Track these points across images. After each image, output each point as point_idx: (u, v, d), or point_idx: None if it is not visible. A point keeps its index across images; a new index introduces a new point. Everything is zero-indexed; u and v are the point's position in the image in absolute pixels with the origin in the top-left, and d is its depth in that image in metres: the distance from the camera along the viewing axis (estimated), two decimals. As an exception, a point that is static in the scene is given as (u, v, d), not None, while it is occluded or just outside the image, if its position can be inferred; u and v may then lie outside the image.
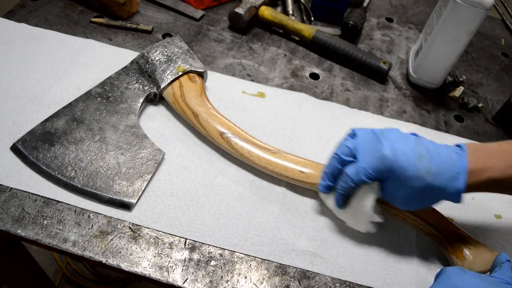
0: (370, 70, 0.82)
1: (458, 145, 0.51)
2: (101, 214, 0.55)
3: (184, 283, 0.50)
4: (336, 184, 0.54)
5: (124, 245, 0.52)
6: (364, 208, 0.52)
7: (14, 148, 0.58)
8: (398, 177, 0.48)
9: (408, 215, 0.56)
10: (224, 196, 0.59)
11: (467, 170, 0.48)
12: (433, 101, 0.81)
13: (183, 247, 0.53)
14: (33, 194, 0.55)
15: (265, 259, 0.54)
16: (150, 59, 0.68)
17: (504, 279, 0.44)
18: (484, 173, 0.48)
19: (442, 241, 0.55)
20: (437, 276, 0.46)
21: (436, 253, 0.57)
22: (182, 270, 0.51)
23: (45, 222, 0.53)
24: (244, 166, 0.62)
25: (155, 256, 0.52)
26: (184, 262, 0.52)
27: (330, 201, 0.56)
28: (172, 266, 0.51)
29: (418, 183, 0.48)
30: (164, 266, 0.51)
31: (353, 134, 0.54)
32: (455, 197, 0.49)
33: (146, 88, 0.67)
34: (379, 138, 0.50)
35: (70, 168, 0.57)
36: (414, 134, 0.52)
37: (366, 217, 0.54)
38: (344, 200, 0.53)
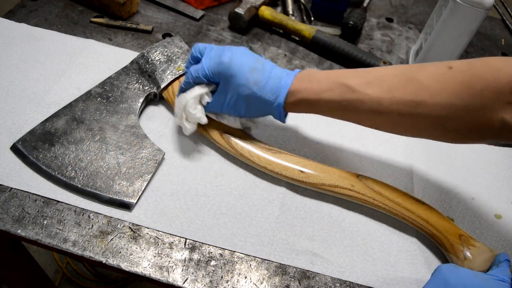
0: (370, 70, 0.82)
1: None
2: (101, 214, 0.55)
3: (184, 283, 0.50)
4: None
5: (124, 245, 0.52)
6: (187, 95, 0.58)
7: (14, 148, 0.58)
8: (229, 81, 0.56)
9: (408, 215, 0.56)
10: (224, 196, 0.59)
11: (288, 89, 0.54)
12: (433, 101, 0.81)
13: (183, 247, 0.53)
14: (33, 194, 0.55)
15: (265, 259, 0.54)
16: (150, 59, 0.68)
17: (499, 277, 0.45)
18: (300, 93, 0.54)
19: (442, 241, 0.55)
20: (432, 274, 0.48)
21: (436, 253, 0.57)
22: (182, 270, 0.51)
23: (45, 222, 0.53)
24: (244, 166, 0.62)
25: (155, 256, 0.52)
26: (184, 262, 0.52)
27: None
28: (172, 266, 0.51)
29: (245, 90, 0.55)
30: (164, 266, 0.51)
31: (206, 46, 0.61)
32: (277, 112, 0.56)
33: (146, 88, 0.67)
34: (224, 49, 0.57)
35: (70, 168, 0.57)
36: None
37: (184, 105, 0.58)
38: (182, 90, 0.60)
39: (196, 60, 0.60)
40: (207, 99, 0.59)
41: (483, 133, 0.48)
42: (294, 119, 0.70)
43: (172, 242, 0.54)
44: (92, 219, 0.54)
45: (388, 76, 0.51)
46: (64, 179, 0.56)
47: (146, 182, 0.57)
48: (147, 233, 0.54)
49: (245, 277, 0.52)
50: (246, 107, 0.58)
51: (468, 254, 0.53)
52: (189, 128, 0.60)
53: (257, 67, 0.55)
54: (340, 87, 0.52)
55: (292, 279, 0.53)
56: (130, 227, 0.54)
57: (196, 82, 0.58)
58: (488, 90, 0.45)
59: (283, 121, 0.58)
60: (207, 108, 0.60)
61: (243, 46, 0.60)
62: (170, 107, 0.68)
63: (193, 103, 0.58)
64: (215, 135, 0.61)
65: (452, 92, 0.47)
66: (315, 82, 0.53)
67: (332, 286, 0.53)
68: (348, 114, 0.54)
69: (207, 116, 0.60)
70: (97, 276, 1.36)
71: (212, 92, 0.59)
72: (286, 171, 0.59)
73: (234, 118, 0.61)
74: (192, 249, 0.53)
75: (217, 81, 0.57)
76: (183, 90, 0.60)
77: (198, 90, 0.58)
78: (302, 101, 0.54)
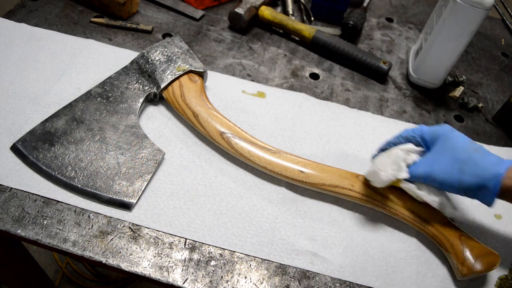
0: (370, 70, 0.82)
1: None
2: (101, 214, 0.55)
3: (184, 283, 0.50)
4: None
5: (124, 245, 0.52)
6: (396, 151, 0.55)
7: (14, 148, 0.58)
8: (446, 143, 0.53)
9: (408, 215, 0.56)
10: (224, 196, 0.59)
11: (508, 168, 0.50)
12: (433, 101, 0.81)
13: (183, 247, 0.53)
14: (33, 194, 0.55)
15: (265, 259, 0.54)
16: (150, 59, 0.68)
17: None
18: None
19: (442, 241, 0.55)
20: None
21: (436, 253, 0.57)
22: (182, 270, 0.51)
23: (45, 222, 0.53)
24: (244, 166, 0.62)
25: (155, 256, 0.52)
26: (184, 262, 0.52)
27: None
28: (172, 266, 0.51)
29: (464, 153, 0.52)
30: (164, 266, 0.51)
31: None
32: (492, 185, 0.50)
33: (146, 88, 0.67)
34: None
35: (70, 168, 0.57)
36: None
37: (394, 158, 0.55)
38: (382, 150, 0.59)
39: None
40: (414, 157, 0.55)
41: None
42: (293, 119, 0.70)
43: (172, 242, 0.54)
44: (92, 219, 0.54)
45: None
46: (64, 179, 0.56)
47: (146, 182, 0.57)
48: (147, 233, 0.54)
49: (245, 277, 0.52)
50: (459, 170, 0.51)
51: (468, 254, 0.53)
52: (388, 177, 0.55)
53: (475, 143, 0.54)
54: None
55: (292, 279, 0.53)
56: (130, 227, 0.54)
57: (408, 140, 0.57)
58: None
59: (491, 203, 0.52)
60: (413, 168, 0.55)
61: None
62: (170, 107, 0.68)
63: (402, 155, 0.55)
64: (215, 135, 0.61)
65: None
66: None
67: (332, 286, 0.53)
68: None
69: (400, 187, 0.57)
70: (97, 276, 1.36)
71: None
72: (286, 171, 0.59)
73: (435, 194, 0.55)
74: (192, 249, 0.53)
75: (430, 145, 0.55)
76: (387, 146, 0.59)
77: (409, 146, 0.56)
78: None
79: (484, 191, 0.50)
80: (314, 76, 0.81)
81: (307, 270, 0.54)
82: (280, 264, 0.54)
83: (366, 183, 0.58)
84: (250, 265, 0.53)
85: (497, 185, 0.49)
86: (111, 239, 0.52)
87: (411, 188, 0.56)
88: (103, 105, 0.64)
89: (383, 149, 0.60)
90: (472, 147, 0.52)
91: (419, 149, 0.56)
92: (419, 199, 0.56)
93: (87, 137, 0.60)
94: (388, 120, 0.74)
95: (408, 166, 0.55)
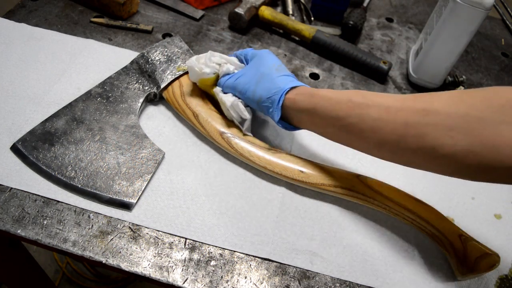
0: (370, 70, 0.82)
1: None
2: (101, 214, 0.55)
3: (184, 283, 0.50)
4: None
5: (124, 245, 0.52)
6: (211, 55, 0.63)
7: (14, 148, 0.58)
8: (259, 60, 0.61)
9: (408, 215, 0.56)
10: (224, 196, 0.59)
11: (294, 86, 0.57)
12: (433, 101, 0.81)
13: (183, 247, 0.53)
14: (33, 194, 0.55)
15: (265, 259, 0.54)
16: (150, 59, 0.68)
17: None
18: (303, 89, 0.56)
19: (442, 241, 0.55)
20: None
21: (436, 253, 0.57)
22: (182, 270, 0.51)
23: (45, 222, 0.53)
24: (244, 166, 0.62)
25: (155, 256, 0.52)
26: (184, 262, 0.52)
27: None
28: (172, 266, 0.51)
29: (266, 69, 0.60)
30: (164, 266, 0.51)
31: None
32: (275, 100, 0.57)
33: (146, 88, 0.67)
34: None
35: (70, 168, 0.57)
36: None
37: (206, 63, 0.63)
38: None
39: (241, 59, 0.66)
40: (231, 68, 0.63)
41: (499, 155, 0.40)
42: (294, 119, 0.70)
43: (172, 242, 0.54)
44: (92, 219, 0.54)
45: (401, 95, 0.49)
46: (64, 179, 0.56)
47: (146, 182, 0.57)
48: (147, 233, 0.54)
49: (245, 277, 0.52)
50: (256, 82, 0.59)
51: (468, 254, 0.53)
52: (194, 71, 0.63)
53: (281, 66, 0.61)
54: (347, 97, 0.51)
55: (292, 279, 0.53)
56: (130, 227, 0.54)
57: (236, 56, 0.66)
58: (510, 106, 0.40)
59: (276, 119, 0.57)
60: (224, 78, 0.63)
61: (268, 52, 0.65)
62: (170, 107, 0.68)
63: (219, 59, 0.64)
64: (215, 135, 0.61)
65: (469, 103, 0.42)
66: (300, 100, 0.55)
67: (332, 286, 0.53)
68: (350, 123, 0.50)
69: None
70: (97, 276, 1.36)
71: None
72: (286, 171, 0.59)
73: (234, 102, 0.61)
74: (192, 249, 0.53)
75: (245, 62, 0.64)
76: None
77: (231, 58, 0.64)
78: (302, 95, 0.55)
79: (272, 106, 0.57)
80: (314, 76, 0.81)
81: (307, 270, 0.54)
82: (280, 264, 0.54)
83: (366, 183, 0.58)
84: (250, 265, 0.53)
85: (280, 99, 0.56)
86: (111, 239, 0.52)
87: (217, 92, 0.63)
88: (103, 105, 0.64)
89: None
90: (276, 66, 0.59)
91: (239, 64, 0.64)
92: (224, 109, 0.63)
93: (87, 137, 0.60)
94: (388, 120, 0.74)
95: (223, 75, 0.63)
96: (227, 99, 0.61)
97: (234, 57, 0.65)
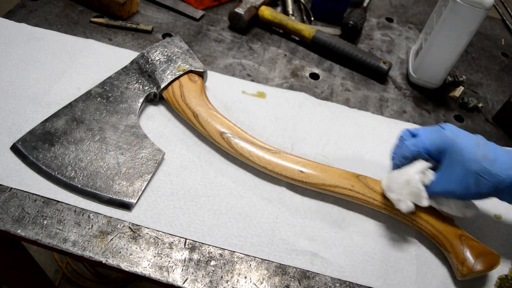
0: (370, 70, 0.82)
1: None
2: (101, 214, 0.55)
3: (184, 283, 0.50)
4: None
5: (124, 245, 0.52)
6: (410, 172, 0.53)
7: (14, 148, 0.58)
8: (454, 156, 0.51)
9: (409, 215, 0.56)
10: (224, 196, 0.59)
11: None
12: (433, 101, 0.81)
13: (183, 247, 0.53)
14: (33, 194, 0.55)
15: (265, 259, 0.54)
16: (150, 59, 0.68)
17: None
18: None
19: (442, 241, 0.55)
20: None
21: (436, 253, 0.57)
22: (182, 270, 0.51)
23: (45, 222, 0.53)
24: (244, 166, 0.62)
25: (155, 256, 0.52)
26: (184, 262, 0.52)
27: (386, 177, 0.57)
28: (172, 266, 0.51)
29: (475, 165, 0.49)
30: (164, 266, 0.51)
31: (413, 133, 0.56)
32: (507, 192, 0.50)
33: (146, 88, 0.67)
34: (441, 126, 0.53)
35: (70, 168, 0.57)
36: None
37: (409, 182, 0.53)
38: (398, 166, 0.56)
39: (411, 134, 0.55)
40: (430, 176, 0.53)
41: None
42: (293, 119, 0.70)
43: (172, 242, 0.54)
44: (92, 219, 0.54)
45: None
46: (64, 179, 0.56)
47: (146, 182, 0.57)
48: (147, 233, 0.54)
49: (245, 277, 0.52)
50: (475, 183, 0.51)
51: (468, 254, 0.53)
52: (410, 206, 0.54)
53: (480, 142, 0.51)
54: None
55: (292, 279, 0.53)
56: (130, 227, 0.54)
57: (415, 157, 0.54)
58: None
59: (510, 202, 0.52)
60: (431, 187, 0.53)
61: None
62: (170, 107, 0.68)
63: (419, 179, 0.53)
64: (215, 135, 0.61)
65: None
66: None
67: (332, 286, 0.53)
68: None
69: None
70: (97, 276, 1.36)
71: (432, 169, 0.54)
72: (286, 171, 0.59)
73: (456, 205, 0.54)
74: (192, 249, 0.53)
75: (437, 158, 0.53)
76: (396, 165, 0.56)
77: (421, 165, 0.53)
78: None
79: (503, 194, 0.51)
80: (314, 76, 0.81)
81: (307, 270, 0.54)
82: (280, 264, 0.54)
83: (366, 183, 0.58)
84: (250, 265, 0.53)
85: None
86: (111, 239, 0.52)
87: (432, 205, 0.55)
88: (103, 105, 0.64)
89: (396, 165, 0.56)
90: (480, 154, 0.50)
91: (431, 164, 0.54)
92: (442, 212, 0.56)
93: (87, 137, 0.60)
94: (388, 120, 0.74)
95: (425, 185, 0.53)
96: (453, 211, 0.54)
97: (420, 162, 0.54)
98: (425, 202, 0.53)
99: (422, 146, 0.53)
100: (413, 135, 0.55)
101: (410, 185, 0.53)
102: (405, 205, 0.54)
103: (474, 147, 0.50)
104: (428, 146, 0.52)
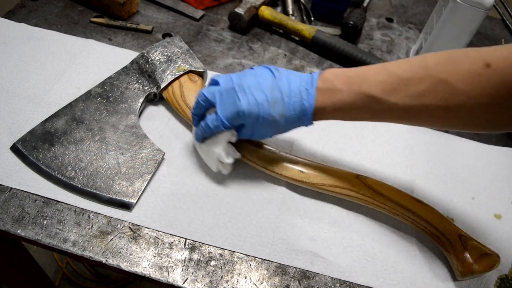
0: (370, 70, 0.82)
1: (314, 74, 0.52)
2: (101, 214, 0.55)
3: (184, 283, 0.50)
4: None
5: (124, 245, 0.52)
6: (215, 148, 0.56)
7: (14, 148, 0.58)
8: (253, 123, 0.53)
9: (408, 215, 0.56)
10: (224, 196, 0.59)
11: (313, 109, 0.51)
12: (433, 101, 0.81)
13: (183, 247, 0.53)
14: (33, 194, 0.55)
15: (265, 259, 0.54)
16: (150, 59, 0.68)
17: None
18: (325, 111, 0.51)
19: (442, 241, 0.55)
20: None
21: (436, 253, 0.57)
22: (182, 270, 0.51)
23: (45, 222, 0.53)
24: (244, 166, 0.62)
25: (155, 256, 0.52)
26: (184, 262, 0.52)
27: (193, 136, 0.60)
28: (172, 266, 0.51)
29: (272, 124, 0.53)
30: (164, 266, 0.51)
31: (215, 82, 0.56)
32: (305, 126, 0.54)
33: (146, 88, 0.67)
34: (236, 90, 0.52)
35: (70, 168, 0.57)
36: (268, 68, 0.54)
37: (217, 157, 0.57)
38: (202, 139, 0.57)
39: (205, 108, 0.56)
40: (234, 139, 0.56)
41: None
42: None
43: (172, 242, 0.54)
44: (92, 219, 0.54)
45: (415, 79, 0.45)
46: (64, 179, 0.56)
47: (146, 182, 0.57)
48: (147, 233, 0.54)
49: (245, 277, 0.52)
50: (274, 132, 0.55)
51: (468, 254, 0.53)
52: (225, 170, 0.58)
53: (276, 97, 0.51)
54: (363, 99, 0.48)
55: (292, 279, 0.53)
56: (130, 227, 0.54)
57: (217, 132, 0.55)
58: None
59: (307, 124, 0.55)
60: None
61: (251, 68, 0.55)
62: (170, 107, 0.68)
63: (225, 153, 0.56)
64: (215, 135, 0.61)
65: (491, 95, 0.42)
66: (338, 95, 0.49)
67: (332, 286, 0.53)
68: (377, 120, 0.51)
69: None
70: (97, 276, 1.36)
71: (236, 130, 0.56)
72: (286, 171, 0.59)
73: (213, 156, 0.57)
74: (192, 249, 0.53)
75: (238, 126, 0.55)
76: (202, 138, 0.57)
77: (224, 138, 0.55)
78: (327, 115, 0.52)
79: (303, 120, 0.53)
80: (314, 76, 0.81)
81: (307, 270, 0.54)
82: (280, 264, 0.54)
83: (366, 183, 0.58)
84: (250, 265, 0.53)
85: (308, 125, 0.54)
86: (111, 239, 0.52)
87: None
88: (103, 105, 0.64)
89: (201, 138, 0.57)
90: (275, 114, 0.52)
91: (232, 131, 0.55)
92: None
93: (87, 137, 0.60)
94: (388, 120, 0.74)
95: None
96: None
97: (223, 134, 0.56)
98: (238, 157, 0.59)
99: (221, 123, 0.53)
100: (206, 107, 0.56)
101: (221, 160, 0.57)
102: (226, 170, 0.59)
103: (270, 109, 0.51)
104: (227, 123, 0.53)
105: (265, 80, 0.53)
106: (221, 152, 0.56)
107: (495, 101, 0.42)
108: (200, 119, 0.57)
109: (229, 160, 0.57)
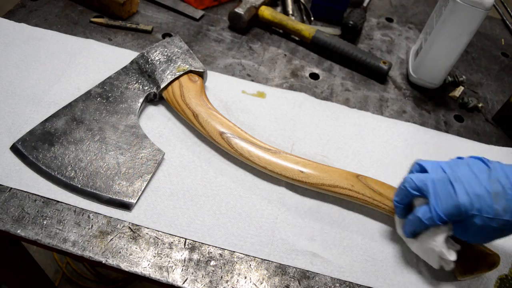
0: (370, 70, 0.82)
1: None
2: (101, 214, 0.55)
3: (184, 283, 0.50)
4: (407, 214, 0.53)
5: (124, 245, 0.52)
6: (434, 246, 0.51)
7: (14, 148, 0.58)
8: (471, 220, 0.47)
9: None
10: (224, 196, 0.59)
11: None
12: (433, 101, 0.81)
13: (183, 247, 0.53)
14: (33, 194, 0.55)
15: (265, 259, 0.54)
16: (150, 59, 0.68)
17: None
18: None
19: (442, 241, 0.55)
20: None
21: (436, 253, 0.57)
22: (182, 270, 0.51)
23: (45, 222, 0.53)
24: (244, 166, 0.62)
25: (155, 256, 0.52)
26: (184, 262, 0.52)
27: (400, 229, 0.55)
28: (172, 266, 0.51)
29: (496, 222, 0.47)
30: (164, 266, 0.51)
31: (422, 168, 0.52)
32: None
33: (146, 88, 0.67)
34: (450, 180, 0.48)
35: (70, 168, 0.57)
36: (480, 159, 0.50)
37: (438, 254, 0.51)
38: (413, 234, 0.53)
39: (412, 196, 0.52)
40: (451, 233, 0.51)
41: None
42: (293, 119, 0.70)
43: (172, 242, 0.54)
44: (92, 219, 0.54)
45: None
46: (64, 179, 0.56)
47: (146, 182, 0.57)
48: (147, 233, 0.54)
49: (245, 277, 0.52)
50: (498, 236, 0.49)
51: (468, 254, 0.53)
52: (452, 264, 0.52)
53: (497, 189, 0.47)
54: None
55: (292, 279, 0.53)
56: (130, 227, 0.54)
57: (431, 226, 0.50)
58: None
59: None
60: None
61: (458, 159, 0.51)
62: (170, 107, 0.68)
63: (446, 250, 0.51)
64: (215, 135, 0.61)
65: None
66: None
67: (332, 286, 0.53)
68: None
69: None
70: (97, 276, 1.36)
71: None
72: (286, 171, 0.59)
73: (431, 253, 0.52)
74: (192, 249, 0.53)
75: (455, 221, 0.49)
76: (412, 233, 0.52)
77: (441, 233, 0.50)
78: None
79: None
80: (314, 76, 0.81)
81: (307, 270, 0.54)
82: (280, 264, 0.54)
83: (366, 183, 0.58)
84: (250, 265, 0.53)
85: None
86: (111, 239, 0.52)
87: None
88: (103, 105, 0.64)
89: (412, 232, 0.53)
90: (499, 209, 0.46)
91: (448, 227, 0.50)
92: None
93: (87, 137, 0.60)
94: (388, 120, 0.74)
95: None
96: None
97: (439, 237, 0.51)
98: (453, 257, 0.51)
99: (437, 218, 0.48)
100: (421, 191, 0.50)
101: (442, 257, 0.51)
102: (438, 265, 0.53)
103: (493, 203, 0.46)
104: (444, 218, 0.48)
105: (481, 172, 0.48)
106: (441, 249, 0.50)
107: None
108: (405, 208, 0.53)
109: (452, 257, 0.50)
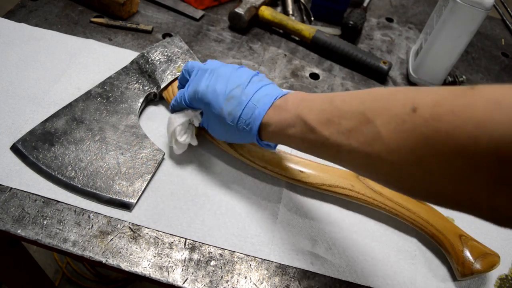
0: (370, 70, 0.82)
1: (284, 91, 0.50)
2: (101, 214, 0.55)
3: (184, 283, 0.50)
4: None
5: (124, 245, 0.52)
6: (173, 122, 0.57)
7: (14, 148, 0.58)
8: (207, 109, 0.53)
9: (408, 215, 0.56)
10: (224, 196, 0.59)
11: (261, 121, 0.48)
12: (433, 101, 0.81)
13: (183, 247, 0.53)
14: (33, 194, 0.55)
15: (265, 259, 0.54)
16: (150, 59, 0.68)
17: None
18: (270, 126, 0.48)
19: (442, 241, 0.55)
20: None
21: (436, 253, 0.57)
22: (182, 270, 0.51)
23: (45, 222, 0.53)
24: (244, 166, 0.62)
25: (155, 256, 0.52)
26: (184, 262, 0.52)
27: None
28: (172, 266, 0.51)
29: (221, 121, 0.52)
30: (164, 266, 0.51)
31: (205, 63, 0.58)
32: (257, 142, 0.51)
33: (146, 88, 0.67)
34: (206, 72, 0.54)
35: (70, 168, 0.57)
36: (258, 73, 0.53)
37: (172, 130, 0.57)
38: (172, 110, 0.60)
39: (185, 81, 0.58)
40: (196, 122, 0.57)
41: (464, 210, 0.34)
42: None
43: (172, 242, 0.54)
44: (92, 219, 0.54)
45: (350, 113, 0.39)
46: (64, 179, 0.56)
47: (146, 182, 0.57)
48: (147, 233, 0.54)
49: (245, 277, 0.52)
50: (226, 134, 0.54)
51: (468, 254, 0.53)
52: (178, 150, 0.59)
53: (235, 94, 0.50)
54: (300, 124, 0.44)
55: (292, 279, 0.53)
56: (130, 227, 0.54)
57: (182, 107, 0.57)
58: (461, 156, 0.30)
59: (272, 148, 0.54)
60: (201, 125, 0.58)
61: (235, 65, 0.55)
62: (170, 107, 0.68)
63: (180, 130, 0.57)
64: (215, 135, 0.61)
65: (412, 151, 0.33)
66: (284, 114, 0.46)
67: (332, 286, 0.53)
68: (313, 154, 0.46)
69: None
70: (97, 276, 1.36)
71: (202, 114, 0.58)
72: (286, 171, 0.59)
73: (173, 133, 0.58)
74: (192, 249, 0.53)
75: (199, 108, 0.56)
76: (173, 109, 0.59)
77: (185, 116, 0.57)
78: (271, 134, 0.48)
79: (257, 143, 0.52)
80: (314, 76, 0.81)
81: (307, 270, 0.54)
82: (280, 264, 0.54)
83: (366, 183, 0.58)
84: (250, 265, 0.53)
85: (260, 142, 0.51)
86: (111, 239, 0.52)
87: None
88: (103, 105, 0.64)
89: (173, 109, 0.60)
90: (226, 110, 0.50)
91: (196, 113, 0.57)
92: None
93: (87, 137, 0.60)
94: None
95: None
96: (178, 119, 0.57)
97: (181, 115, 0.58)
98: (193, 143, 0.59)
99: (183, 100, 0.56)
100: (186, 81, 0.58)
101: (175, 136, 0.57)
102: (176, 151, 0.59)
103: (223, 103, 0.50)
104: (187, 100, 0.55)
105: (238, 78, 0.51)
106: (177, 127, 0.57)
107: (416, 159, 0.33)
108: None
109: (182, 139, 0.57)
